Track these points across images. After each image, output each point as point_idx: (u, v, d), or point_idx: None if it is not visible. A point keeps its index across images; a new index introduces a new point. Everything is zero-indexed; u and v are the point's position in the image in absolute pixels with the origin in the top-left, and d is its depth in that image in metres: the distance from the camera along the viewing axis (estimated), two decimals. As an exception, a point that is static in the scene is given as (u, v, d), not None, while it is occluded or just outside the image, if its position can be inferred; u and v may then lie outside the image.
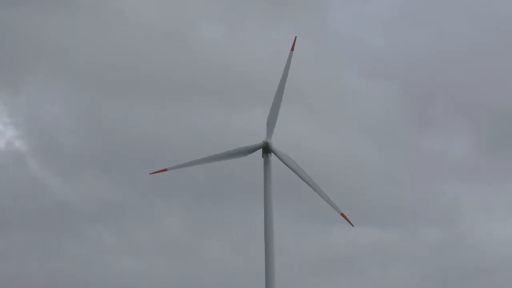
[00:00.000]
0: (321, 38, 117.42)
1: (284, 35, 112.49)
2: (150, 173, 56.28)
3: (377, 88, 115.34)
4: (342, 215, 55.20)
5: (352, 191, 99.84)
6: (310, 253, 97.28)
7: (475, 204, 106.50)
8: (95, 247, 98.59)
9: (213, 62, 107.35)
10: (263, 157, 57.88)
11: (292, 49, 57.25)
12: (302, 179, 56.82)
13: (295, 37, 57.07)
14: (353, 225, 55.12)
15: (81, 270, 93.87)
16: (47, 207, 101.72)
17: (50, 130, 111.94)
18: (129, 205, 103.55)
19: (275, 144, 57.68)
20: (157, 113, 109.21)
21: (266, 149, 57.50)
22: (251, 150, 57.64)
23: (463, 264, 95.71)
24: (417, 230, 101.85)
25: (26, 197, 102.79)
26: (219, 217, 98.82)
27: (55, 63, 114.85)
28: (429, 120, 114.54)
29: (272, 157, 57.76)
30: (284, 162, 57.40)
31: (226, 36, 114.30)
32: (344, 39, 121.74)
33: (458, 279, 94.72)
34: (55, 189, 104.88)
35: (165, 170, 56.35)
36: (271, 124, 57.90)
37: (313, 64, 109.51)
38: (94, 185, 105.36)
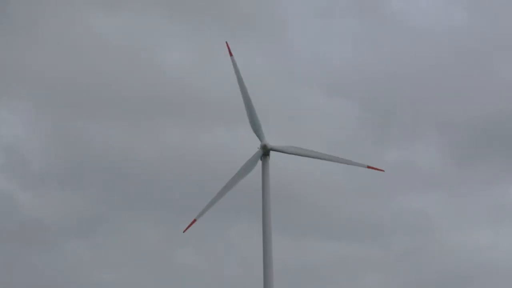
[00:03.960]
0: (281, 57, 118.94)
1: (245, 57, 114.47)
2: (184, 231, 56.84)
3: (339, 106, 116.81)
4: (369, 167, 56.34)
5: (322, 208, 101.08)
6: (281, 264, 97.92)
7: (444, 215, 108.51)
8: (70, 262, 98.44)
9: (178, 82, 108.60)
10: (261, 159, 58.52)
11: (231, 54, 58.38)
12: (313, 157, 57.65)
13: (226, 42, 58.34)
14: (383, 170, 55.99)
15: (57, 285, 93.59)
16: (18, 223, 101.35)
17: (19, 149, 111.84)
18: (103, 219, 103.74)
19: (271, 142, 58.59)
20: (125, 130, 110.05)
21: (266, 151, 58.28)
22: (255, 160, 58.01)
23: (437, 274, 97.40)
24: (389, 241, 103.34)
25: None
26: (195, 229, 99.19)
27: (23, 84, 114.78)
28: (392, 134, 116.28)
29: (271, 158, 58.49)
30: (287, 152, 58.14)
31: (191, 58, 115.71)
32: (304, 58, 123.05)
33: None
34: (25, 205, 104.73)
35: (194, 221, 56.92)
36: (257, 128, 58.46)
37: (273, 84, 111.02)
38: (65, 201, 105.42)
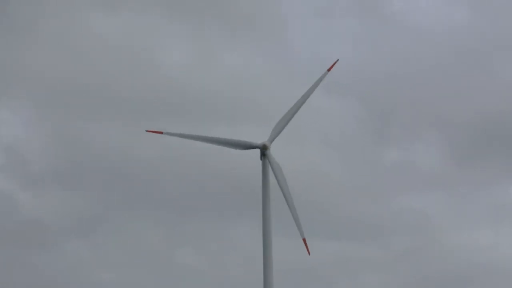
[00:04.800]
0: (281, 57, 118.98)
1: (245, 57, 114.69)
2: (309, 254, 55.52)
3: (338, 106, 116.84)
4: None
5: (322, 207, 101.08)
6: (281, 264, 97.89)
7: (444, 215, 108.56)
8: (70, 262, 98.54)
9: (178, 82, 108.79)
10: (261, 159, 58.42)
11: (161, 132, 58.23)
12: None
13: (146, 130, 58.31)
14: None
15: (57, 285, 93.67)
16: (18, 223, 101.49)
17: (19, 149, 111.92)
18: (103, 219, 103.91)
19: (272, 149, 58.48)
20: (125, 130, 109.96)
21: (264, 152, 58.21)
22: (274, 161, 57.84)
23: (437, 274, 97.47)
24: (389, 241, 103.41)
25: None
26: (195, 229, 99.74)
27: (23, 84, 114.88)
28: (392, 134, 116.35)
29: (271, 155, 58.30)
30: (279, 130, 58.54)
31: (191, 58, 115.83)
32: (304, 58, 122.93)
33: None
34: (25, 205, 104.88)
35: (304, 240, 55.93)
36: (240, 145, 58.60)
37: (273, 84, 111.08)
38: (65, 201, 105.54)
